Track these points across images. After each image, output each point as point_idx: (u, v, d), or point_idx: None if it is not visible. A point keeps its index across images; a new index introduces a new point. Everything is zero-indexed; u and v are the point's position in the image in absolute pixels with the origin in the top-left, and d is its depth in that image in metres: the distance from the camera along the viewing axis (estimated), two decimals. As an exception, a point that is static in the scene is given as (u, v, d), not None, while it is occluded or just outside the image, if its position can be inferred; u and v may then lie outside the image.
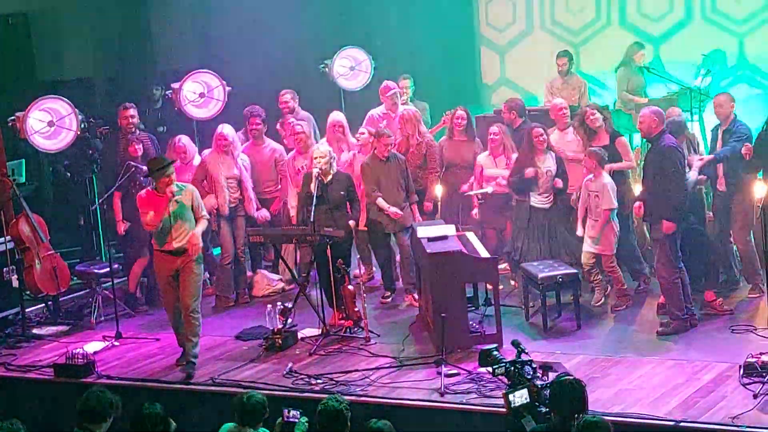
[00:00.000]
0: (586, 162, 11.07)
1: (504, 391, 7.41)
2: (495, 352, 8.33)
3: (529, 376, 7.71)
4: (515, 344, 8.19)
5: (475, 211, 12.09)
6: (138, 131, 12.64)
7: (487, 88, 15.92)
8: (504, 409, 7.35)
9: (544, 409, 7.30)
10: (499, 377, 8.10)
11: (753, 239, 10.81)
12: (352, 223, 11.36)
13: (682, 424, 8.15)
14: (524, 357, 7.95)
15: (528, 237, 11.40)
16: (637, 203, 10.50)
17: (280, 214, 12.69)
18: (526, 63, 15.53)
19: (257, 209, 12.35)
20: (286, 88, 13.40)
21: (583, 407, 6.93)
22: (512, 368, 7.82)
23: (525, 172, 11.31)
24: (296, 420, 7.45)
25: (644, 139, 10.70)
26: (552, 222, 11.45)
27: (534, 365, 7.87)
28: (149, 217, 10.09)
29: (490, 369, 8.16)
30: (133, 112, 12.61)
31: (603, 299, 11.19)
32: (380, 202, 11.64)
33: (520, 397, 7.28)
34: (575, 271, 10.85)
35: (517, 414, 7.17)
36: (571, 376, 7.30)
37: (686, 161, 10.49)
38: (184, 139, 12.40)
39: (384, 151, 11.64)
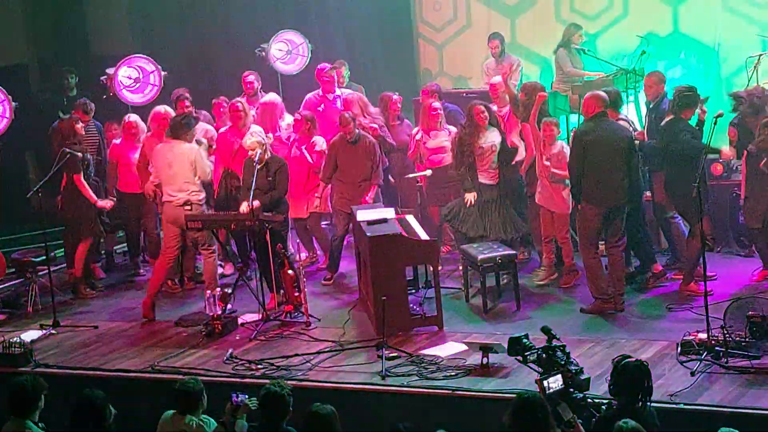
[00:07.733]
0: (545, 131, 11.05)
1: (538, 378, 7.35)
2: (525, 340, 8.27)
3: (562, 362, 7.64)
4: (546, 330, 8.06)
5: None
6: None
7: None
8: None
9: (579, 395, 7.28)
10: (530, 365, 8.04)
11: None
12: (256, 203, 10.81)
13: (621, 402, 8.22)
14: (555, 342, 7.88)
15: (475, 212, 11.41)
16: None
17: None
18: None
19: None
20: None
21: (650, 390, 6.89)
22: (544, 354, 7.75)
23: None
24: (242, 403, 7.45)
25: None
26: (499, 197, 11.45)
27: (568, 350, 7.81)
28: None
29: (520, 357, 8.11)
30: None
31: (547, 281, 11.27)
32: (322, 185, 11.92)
33: (555, 382, 7.24)
34: (514, 252, 10.90)
35: (551, 400, 7.02)
36: (632, 357, 7.18)
37: None
38: (132, 117, 12.47)
39: (348, 133, 11.80)
